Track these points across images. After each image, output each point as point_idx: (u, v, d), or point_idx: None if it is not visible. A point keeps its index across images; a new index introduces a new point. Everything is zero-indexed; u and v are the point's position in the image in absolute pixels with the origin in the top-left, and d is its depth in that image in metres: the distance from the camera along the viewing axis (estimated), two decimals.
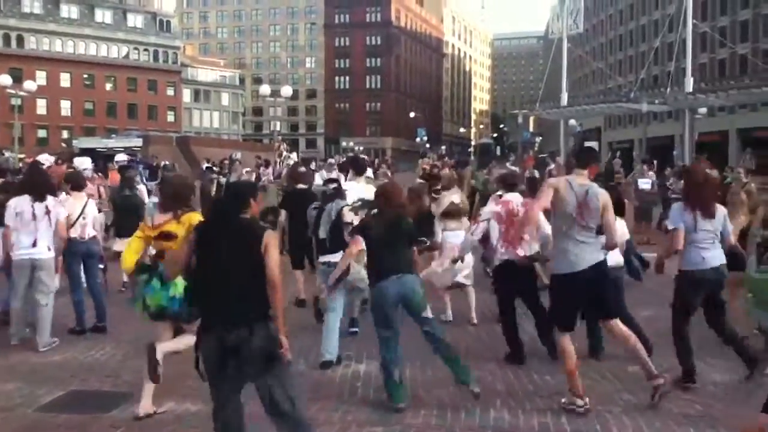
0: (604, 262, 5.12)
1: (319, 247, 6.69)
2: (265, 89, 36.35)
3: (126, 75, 75.49)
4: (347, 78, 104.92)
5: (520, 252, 6.26)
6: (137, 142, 35.58)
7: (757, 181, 11.21)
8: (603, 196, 4.96)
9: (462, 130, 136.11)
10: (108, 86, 74.68)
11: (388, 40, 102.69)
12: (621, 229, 6.07)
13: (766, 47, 53.06)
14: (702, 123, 43.98)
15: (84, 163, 11.71)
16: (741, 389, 5.46)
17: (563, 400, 5.02)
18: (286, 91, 35.79)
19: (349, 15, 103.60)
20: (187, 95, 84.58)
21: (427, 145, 77.90)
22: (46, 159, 12.06)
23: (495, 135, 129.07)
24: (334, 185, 6.86)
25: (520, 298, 6.46)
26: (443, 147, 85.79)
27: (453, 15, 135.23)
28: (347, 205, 6.44)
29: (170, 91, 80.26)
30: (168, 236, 4.85)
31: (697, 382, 5.44)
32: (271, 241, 3.72)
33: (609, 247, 5.16)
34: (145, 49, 77.83)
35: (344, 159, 20.93)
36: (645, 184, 15.84)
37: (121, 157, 20.00)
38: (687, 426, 4.70)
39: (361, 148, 65.53)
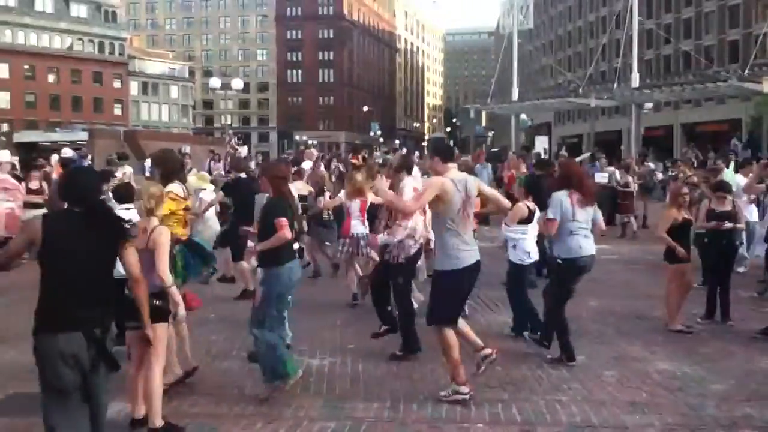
0: None
1: None
2: (215, 82, 35.77)
3: (70, 66, 73.10)
4: (299, 71, 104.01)
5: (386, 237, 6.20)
6: (82, 136, 34.51)
7: (699, 175, 11.60)
8: None
9: (416, 124, 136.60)
10: (51, 78, 72.21)
11: (341, 34, 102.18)
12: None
13: (709, 44, 54.80)
14: (648, 118, 45.21)
15: (1, 157, 11.60)
16: (684, 376, 5.62)
17: (444, 393, 5.05)
18: (237, 84, 35.21)
19: (300, 7, 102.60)
20: (134, 88, 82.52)
21: (381, 140, 77.94)
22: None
23: (448, 129, 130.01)
24: None
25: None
26: (397, 141, 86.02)
27: (405, 10, 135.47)
28: None
29: (117, 84, 78.18)
30: None
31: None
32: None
33: None
34: (90, 40, 75.53)
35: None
36: (602, 177, 15.75)
37: (66, 152, 19.55)
38: (634, 413, 4.81)
39: (315, 142, 65.01)
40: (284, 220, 4.96)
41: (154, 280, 4.35)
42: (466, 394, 5.00)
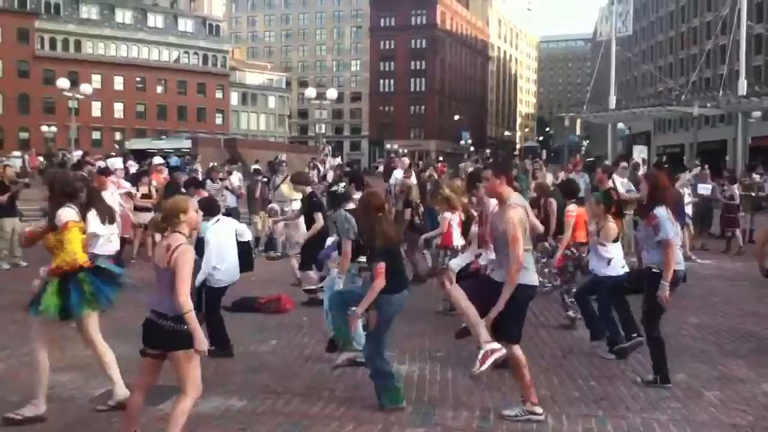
0: None
1: None
2: (310, 92, 36.66)
3: (176, 78, 77.26)
4: (391, 81, 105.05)
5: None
6: (187, 144, 36.40)
7: None
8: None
9: (507, 133, 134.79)
10: (159, 89, 76.52)
11: (433, 43, 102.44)
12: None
13: None
14: (756, 127, 42.73)
15: (115, 164, 12.55)
16: None
17: (513, 413, 4.86)
18: (332, 94, 36.01)
19: (394, 18, 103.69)
20: (234, 98, 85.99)
21: (471, 149, 77.50)
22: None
23: (541, 138, 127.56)
24: None
25: None
26: (488, 150, 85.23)
27: (499, 18, 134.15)
28: None
29: (219, 94, 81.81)
30: None
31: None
32: None
33: None
34: (195, 53, 79.49)
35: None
36: (704, 189, 15.25)
37: (169, 159, 20.98)
38: None
39: (405, 150, 65.45)
40: (382, 266, 4.86)
41: (173, 302, 4.03)
42: (540, 414, 4.83)
